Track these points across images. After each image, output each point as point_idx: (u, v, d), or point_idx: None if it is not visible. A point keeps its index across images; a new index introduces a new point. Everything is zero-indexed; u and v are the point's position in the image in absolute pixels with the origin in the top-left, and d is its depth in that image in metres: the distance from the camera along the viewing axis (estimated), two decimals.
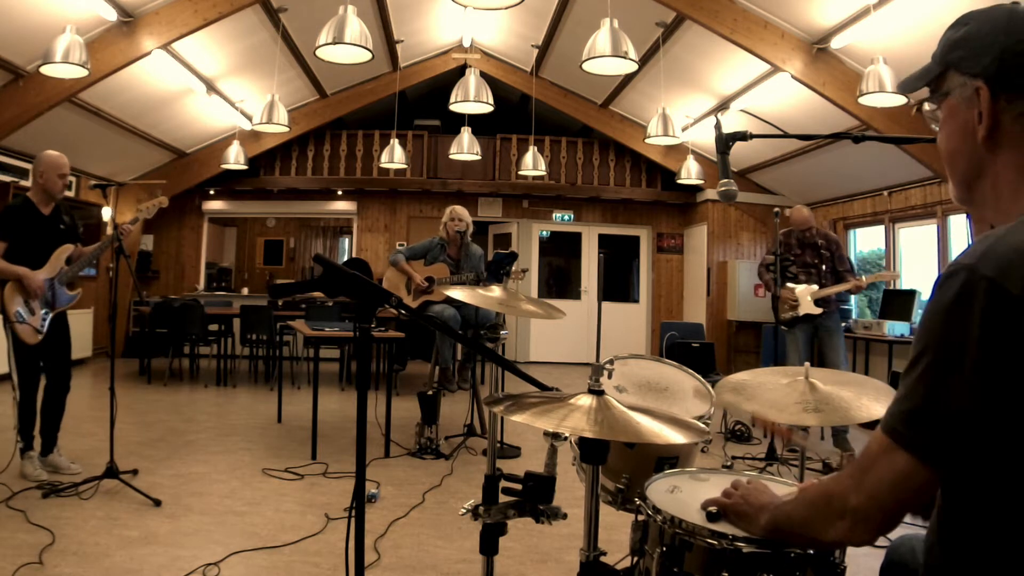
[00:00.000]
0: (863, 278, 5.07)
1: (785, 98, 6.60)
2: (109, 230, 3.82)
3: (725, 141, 1.60)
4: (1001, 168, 0.96)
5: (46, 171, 3.69)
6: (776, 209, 5.01)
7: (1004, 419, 0.82)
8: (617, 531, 2.08)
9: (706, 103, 7.82)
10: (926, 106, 1.07)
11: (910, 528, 1.21)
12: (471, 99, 5.50)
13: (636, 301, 10.80)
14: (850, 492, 0.94)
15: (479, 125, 7.73)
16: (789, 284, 5.11)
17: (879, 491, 0.91)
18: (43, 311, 3.64)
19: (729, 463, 4.49)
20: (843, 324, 5.45)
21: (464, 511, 1.65)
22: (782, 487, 1.36)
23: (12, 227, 3.64)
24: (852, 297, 7.61)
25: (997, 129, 0.95)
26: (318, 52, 4.17)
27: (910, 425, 0.88)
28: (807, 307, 5.00)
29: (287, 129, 6.81)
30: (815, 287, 5.04)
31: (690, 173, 8.06)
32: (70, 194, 7.08)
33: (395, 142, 8.04)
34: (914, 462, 0.87)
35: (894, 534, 1.32)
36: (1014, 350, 0.81)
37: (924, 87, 1.07)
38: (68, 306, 3.80)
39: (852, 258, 7.04)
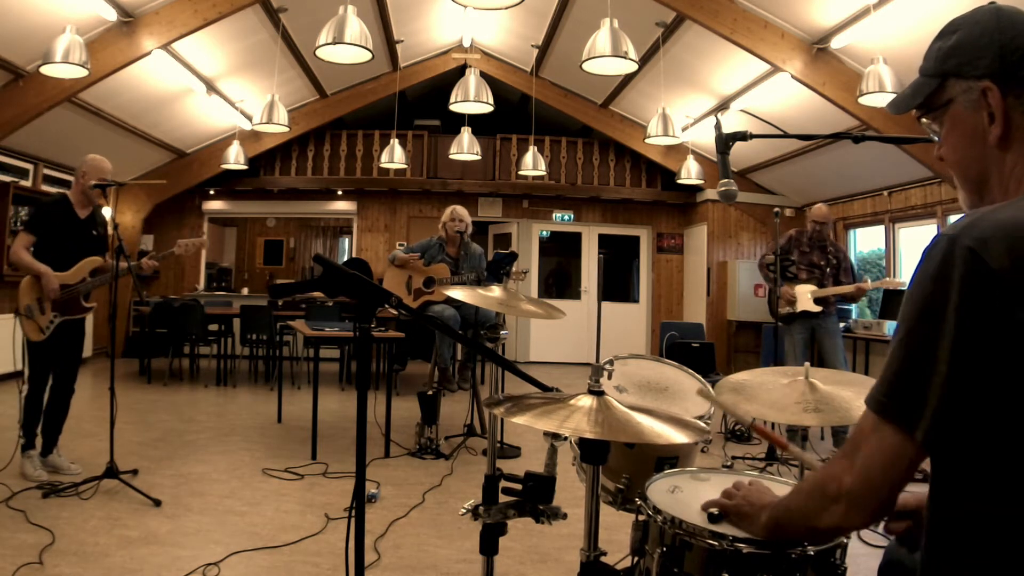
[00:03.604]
0: (867, 281, 5.04)
1: (785, 98, 6.60)
2: (109, 230, 3.85)
3: (725, 141, 1.60)
4: (1011, 164, 0.96)
5: (88, 172, 3.72)
6: (776, 209, 4.99)
7: (979, 391, 0.83)
8: (617, 531, 2.08)
9: (706, 103, 7.82)
10: (924, 120, 1.06)
11: None
12: (471, 99, 5.50)
13: (636, 301, 10.80)
14: (844, 474, 0.94)
15: (479, 125, 7.73)
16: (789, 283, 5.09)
17: (871, 470, 0.91)
18: (53, 314, 3.65)
19: (729, 463, 4.49)
20: (842, 325, 5.43)
21: (464, 511, 1.65)
22: (782, 487, 1.36)
23: (45, 223, 3.67)
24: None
25: (1008, 127, 0.95)
26: (318, 52, 4.17)
27: (893, 395, 0.89)
28: (805, 304, 4.99)
29: (287, 129, 6.81)
30: (815, 287, 5.03)
31: (690, 173, 8.06)
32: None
33: (395, 142, 8.04)
34: (901, 435, 0.88)
35: None
36: (990, 322, 0.82)
37: (919, 103, 1.05)
38: (79, 316, 3.79)
39: (852, 258, 7.03)
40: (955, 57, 0.99)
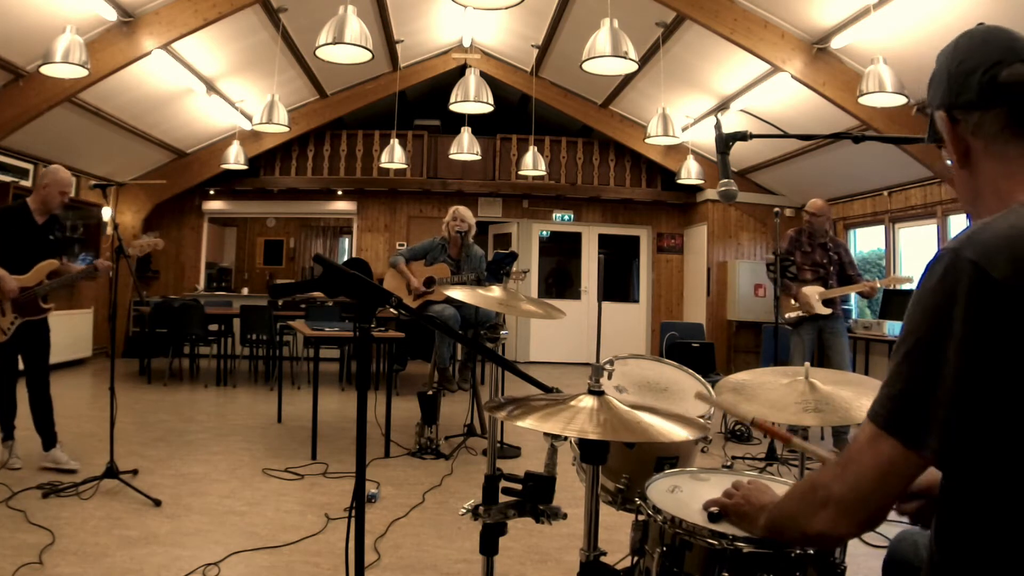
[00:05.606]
0: (877, 281, 5.01)
1: (785, 98, 6.60)
2: (109, 230, 3.89)
3: (725, 141, 1.60)
4: (983, 182, 0.98)
5: (50, 184, 3.82)
6: (776, 209, 4.97)
7: (988, 402, 0.82)
8: (617, 531, 2.08)
9: (706, 103, 7.82)
10: (943, 152, 1.10)
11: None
12: (471, 99, 5.50)
13: (636, 301, 10.80)
14: (834, 481, 0.94)
15: (479, 125, 7.73)
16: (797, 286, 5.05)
17: (862, 480, 0.91)
18: (13, 315, 3.73)
19: (729, 463, 4.49)
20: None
21: (464, 511, 1.65)
22: (782, 487, 1.36)
23: (2, 229, 3.76)
24: (852, 297, 7.58)
25: (968, 150, 0.99)
26: (318, 52, 4.17)
27: (893, 409, 0.88)
28: (815, 307, 4.95)
29: (287, 129, 6.80)
30: (821, 288, 4.99)
31: (690, 173, 8.06)
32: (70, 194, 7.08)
33: (395, 142, 8.04)
34: (899, 448, 0.87)
35: (892, 532, 1.32)
36: (996, 333, 0.82)
37: (929, 138, 1.10)
38: (39, 317, 3.86)
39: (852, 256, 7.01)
40: (930, 90, 1.05)
